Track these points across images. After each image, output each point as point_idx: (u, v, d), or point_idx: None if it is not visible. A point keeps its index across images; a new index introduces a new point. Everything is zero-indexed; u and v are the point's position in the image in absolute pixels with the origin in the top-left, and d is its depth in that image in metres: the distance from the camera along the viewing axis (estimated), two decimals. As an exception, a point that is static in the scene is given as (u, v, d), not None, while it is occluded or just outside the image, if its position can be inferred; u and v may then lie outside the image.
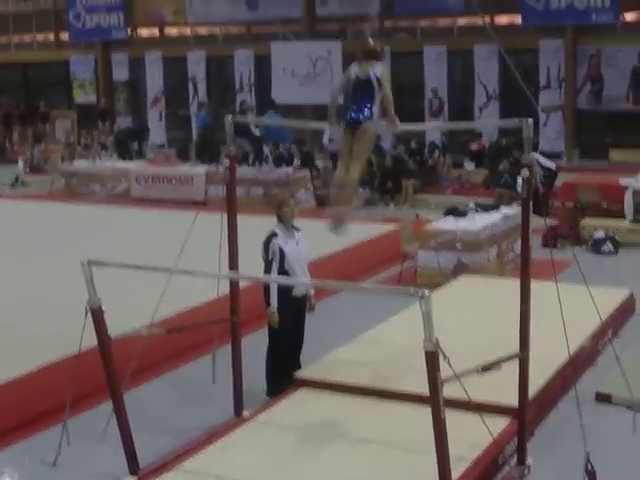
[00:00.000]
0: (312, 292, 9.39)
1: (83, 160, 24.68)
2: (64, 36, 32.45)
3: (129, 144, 26.59)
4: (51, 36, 33.09)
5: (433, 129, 24.46)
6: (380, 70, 8.31)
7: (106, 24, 30.76)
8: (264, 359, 9.29)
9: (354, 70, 8.41)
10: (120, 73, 31.25)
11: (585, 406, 8.23)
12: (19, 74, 34.46)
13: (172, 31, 30.78)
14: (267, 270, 8.98)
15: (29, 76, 34.46)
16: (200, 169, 21.79)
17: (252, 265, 8.76)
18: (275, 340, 9.18)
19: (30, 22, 33.13)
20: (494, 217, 14.47)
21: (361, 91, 8.28)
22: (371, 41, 8.63)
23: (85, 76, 31.88)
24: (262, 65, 28.27)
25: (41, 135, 31.04)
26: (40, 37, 33.33)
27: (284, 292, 8.91)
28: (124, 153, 25.76)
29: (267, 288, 8.98)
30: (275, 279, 8.85)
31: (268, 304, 8.99)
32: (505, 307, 8.49)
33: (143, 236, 16.18)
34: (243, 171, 19.49)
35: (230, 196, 8.56)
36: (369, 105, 8.24)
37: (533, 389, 8.05)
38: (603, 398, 9.03)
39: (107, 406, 7.78)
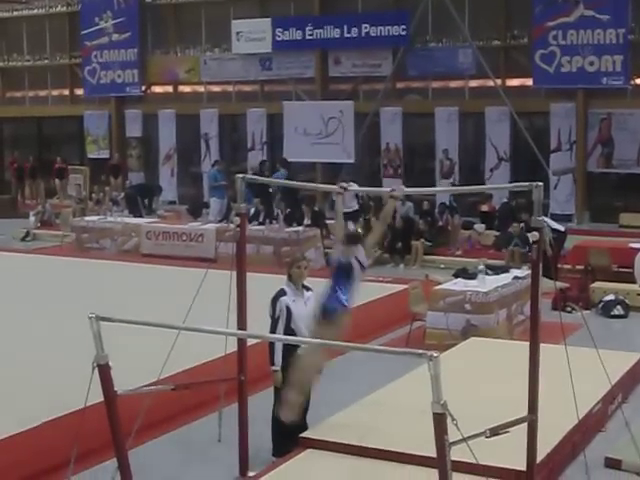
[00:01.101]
0: (319, 352, 9.35)
1: (94, 215, 24.80)
2: (79, 91, 32.73)
3: (139, 200, 26.71)
4: (66, 91, 33.39)
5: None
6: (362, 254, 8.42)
7: (121, 80, 31.06)
8: (271, 418, 9.23)
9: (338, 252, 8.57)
10: (133, 129, 31.48)
11: (594, 472, 8.16)
12: (33, 128, 34.75)
13: (186, 89, 31.05)
14: (273, 328, 8.95)
15: (43, 130, 34.75)
16: (211, 226, 21.84)
17: (261, 323, 8.75)
18: (281, 399, 9.12)
19: (45, 77, 33.48)
20: (504, 279, 14.46)
21: (342, 275, 8.36)
22: (351, 226, 8.89)
23: (98, 131, 32.12)
24: (274, 123, 28.47)
25: (56, 190, 31.22)
26: (55, 92, 33.64)
27: (290, 351, 8.87)
28: (134, 209, 25.88)
29: (272, 346, 8.95)
30: (285, 338, 8.81)
31: (272, 362, 8.95)
32: (514, 370, 8.45)
33: (152, 292, 16.19)
34: (253, 229, 19.59)
35: (240, 254, 8.56)
36: (346, 294, 8.29)
37: (541, 453, 7.97)
38: (613, 464, 8.91)
39: (111, 464, 7.71)
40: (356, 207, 21.53)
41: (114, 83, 31.17)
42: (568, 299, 15.48)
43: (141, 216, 25.28)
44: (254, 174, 20.41)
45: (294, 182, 18.75)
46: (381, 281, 17.40)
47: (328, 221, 22.02)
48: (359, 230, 8.96)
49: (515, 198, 22.01)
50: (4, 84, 34.66)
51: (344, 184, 8.81)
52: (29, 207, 29.01)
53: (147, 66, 30.80)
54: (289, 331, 8.88)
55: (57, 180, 31.48)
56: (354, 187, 8.76)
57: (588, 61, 23.48)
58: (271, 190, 22.13)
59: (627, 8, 23.24)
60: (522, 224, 18.82)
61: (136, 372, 8.77)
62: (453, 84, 26.58)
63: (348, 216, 18.69)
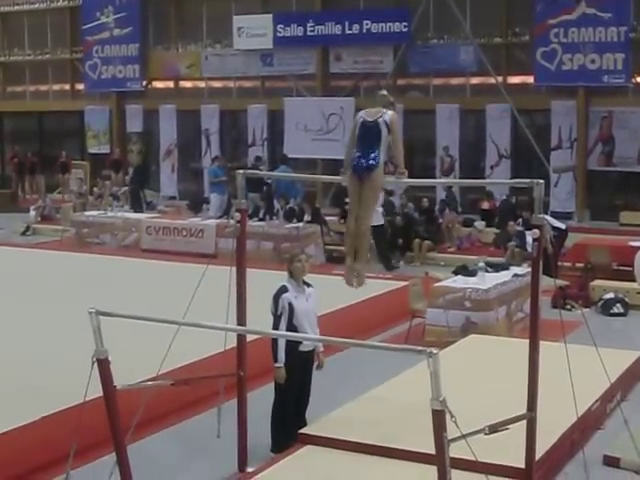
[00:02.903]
0: (321, 348, 9.36)
1: (95, 210, 24.82)
2: (80, 86, 32.72)
3: (141, 194, 26.74)
4: (67, 86, 33.37)
5: (442, 187, 24.46)
6: (391, 116, 8.35)
7: (122, 75, 31.04)
8: (270, 414, 9.24)
9: (362, 115, 8.43)
10: (134, 124, 31.47)
11: (593, 469, 8.16)
12: (34, 123, 34.73)
13: (187, 84, 31.04)
14: (276, 324, 8.95)
15: (44, 125, 34.72)
16: (211, 222, 21.85)
17: (260, 319, 8.74)
18: (281, 395, 9.14)
19: (46, 72, 33.47)
20: (504, 276, 14.47)
21: (368, 136, 8.29)
22: (384, 91, 8.71)
23: (99, 126, 32.11)
24: (275, 119, 28.47)
25: (59, 184, 31.22)
26: (56, 87, 33.62)
27: (292, 347, 8.88)
28: (136, 204, 25.91)
29: (275, 343, 8.95)
30: (283, 334, 8.81)
31: (275, 359, 8.95)
32: (513, 367, 8.45)
33: (152, 287, 16.20)
34: (253, 225, 19.59)
35: (240, 250, 8.56)
36: (375, 151, 8.23)
37: (540, 451, 7.97)
38: (611, 462, 8.92)
39: (110, 458, 7.72)
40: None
41: (115, 78, 31.15)
42: (568, 297, 15.48)
43: (142, 211, 25.28)
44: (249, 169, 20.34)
45: (295, 175, 18.86)
46: (381, 278, 17.41)
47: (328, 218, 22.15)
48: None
49: (516, 195, 22.01)
50: (5, 79, 34.65)
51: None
52: (29, 202, 29.03)
53: (148, 61, 30.79)
54: (291, 327, 8.89)
55: (60, 175, 31.47)
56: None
57: (589, 59, 23.47)
58: (269, 182, 22.10)
59: (629, 6, 23.21)
60: (519, 222, 18.83)
61: (135, 367, 8.78)
62: (454, 81, 26.57)
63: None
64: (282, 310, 8.96)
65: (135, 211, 25.03)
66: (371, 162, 8.22)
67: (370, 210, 8.60)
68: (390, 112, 8.39)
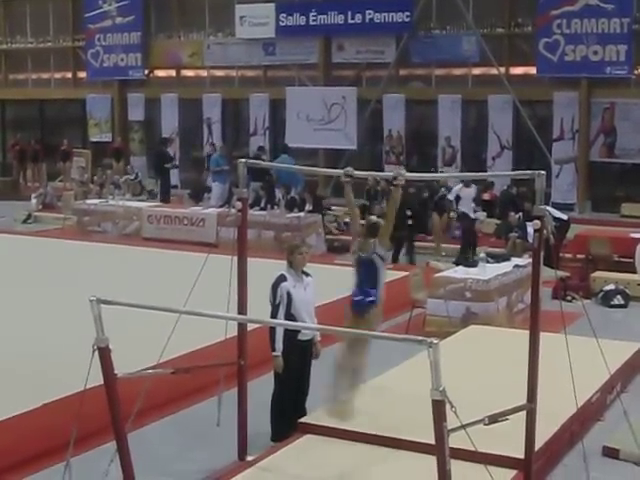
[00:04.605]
0: (318, 338, 9.38)
1: (96, 198, 24.82)
2: (82, 74, 32.68)
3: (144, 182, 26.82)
4: (69, 74, 33.32)
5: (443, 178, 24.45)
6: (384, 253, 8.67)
7: (124, 64, 31.01)
8: (269, 403, 9.25)
9: (357, 245, 8.68)
10: (136, 113, 31.43)
11: (592, 460, 8.18)
12: (36, 111, 34.70)
13: (189, 73, 31.00)
14: (274, 313, 8.96)
15: (46, 113, 34.69)
16: (212, 211, 21.85)
17: (261, 308, 8.76)
18: (281, 385, 9.15)
19: (48, 59, 33.43)
20: (504, 267, 14.47)
21: (365, 273, 8.54)
22: (373, 218, 8.82)
23: (101, 115, 32.07)
24: (277, 109, 28.45)
25: (60, 172, 31.22)
26: (58, 75, 33.59)
27: (290, 336, 8.89)
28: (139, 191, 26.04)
29: (272, 332, 8.96)
30: (284, 323, 8.82)
31: (273, 348, 8.96)
32: (513, 358, 8.46)
33: (153, 276, 16.21)
34: (255, 214, 19.60)
35: (241, 239, 8.57)
36: (374, 288, 8.49)
37: (540, 441, 7.99)
38: (610, 453, 8.94)
39: (111, 446, 7.73)
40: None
41: (117, 66, 31.12)
42: (569, 288, 15.51)
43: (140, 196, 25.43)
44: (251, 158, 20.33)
45: (296, 166, 18.84)
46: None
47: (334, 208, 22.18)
48: (378, 220, 8.84)
49: (516, 186, 21.99)
50: (7, 66, 34.59)
51: (350, 170, 8.71)
52: (31, 190, 28.99)
53: (150, 50, 30.74)
54: (289, 317, 8.90)
55: (61, 163, 31.46)
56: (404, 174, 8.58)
57: (592, 50, 23.42)
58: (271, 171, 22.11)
59: (632, -3, 23.20)
60: (520, 213, 18.81)
61: (136, 355, 8.78)
62: (456, 72, 26.53)
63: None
64: (280, 299, 8.96)
65: (163, 200, 25.10)
66: (371, 299, 8.45)
67: (366, 347, 8.74)
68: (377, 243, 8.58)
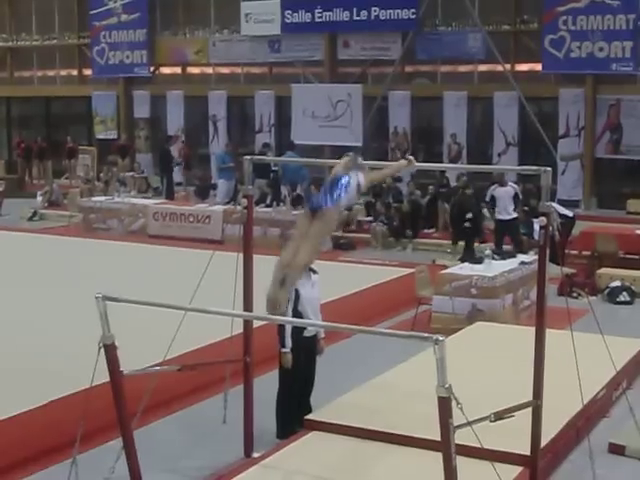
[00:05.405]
0: (322, 334, 9.39)
1: (102, 196, 24.85)
2: (87, 71, 32.71)
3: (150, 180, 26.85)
4: (74, 71, 33.38)
5: (450, 173, 24.42)
6: (364, 178, 8.23)
7: (129, 61, 31.03)
8: (275, 400, 9.26)
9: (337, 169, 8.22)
10: (141, 110, 31.46)
11: (598, 457, 8.17)
12: (41, 108, 34.74)
13: (194, 70, 31.01)
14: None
15: (51, 110, 34.73)
16: (218, 208, 21.87)
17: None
18: (286, 382, 9.16)
19: (54, 57, 33.47)
20: (510, 264, 14.46)
21: (337, 182, 8.02)
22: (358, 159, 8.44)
23: (106, 112, 32.11)
24: (282, 106, 28.45)
25: (66, 170, 31.25)
26: (63, 72, 33.63)
27: (296, 333, 8.90)
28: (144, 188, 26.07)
29: (282, 329, 8.96)
30: (291, 320, 8.83)
31: (282, 344, 8.97)
32: (519, 355, 8.46)
33: (159, 273, 16.22)
34: (260, 211, 19.62)
35: (247, 236, 8.57)
36: (340, 194, 7.95)
37: (546, 438, 7.99)
38: (616, 449, 8.93)
39: (117, 443, 7.75)
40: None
41: (122, 64, 31.15)
42: (574, 285, 15.49)
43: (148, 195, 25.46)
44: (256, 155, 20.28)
45: (302, 159, 18.84)
46: (387, 265, 17.42)
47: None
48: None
49: (523, 183, 21.94)
50: (13, 64, 34.64)
51: (351, 155, 8.51)
52: (36, 187, 29.04)
53: (156, 47, 30.76)
54: (296, 314, 8.91)
55: (67, 160, 31.49)
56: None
57: (598, 47, 23.39)
58: (276, 168, 22.10)
59: (637, -6, 23.16)
60: (525, 209, 18.76)
61: (142, 352, 8.80)
62: (462, 68, 26.52)
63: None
64: (289, 296, 8.96)
65: (168, 197, 25.14)
66: (330, 201, 7.90)
67: (311, 249, 8.01)
68: (361, 174, 8.24)
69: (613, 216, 22.29)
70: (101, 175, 28.22)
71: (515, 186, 18.57)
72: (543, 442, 7.83)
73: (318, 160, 19.21)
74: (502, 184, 18.58)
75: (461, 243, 19.04)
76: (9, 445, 8.42)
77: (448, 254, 19.12)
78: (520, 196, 18.61)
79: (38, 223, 24.74)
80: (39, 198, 26.62)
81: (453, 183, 22.31)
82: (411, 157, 8.77)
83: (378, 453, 8.34)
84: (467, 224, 18.74)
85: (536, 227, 9.04)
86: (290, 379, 9.11)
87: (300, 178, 22.69)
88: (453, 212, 19.50)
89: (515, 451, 7.88)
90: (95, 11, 31.35)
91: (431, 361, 5.63)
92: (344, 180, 8.01)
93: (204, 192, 25.65)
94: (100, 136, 32.32)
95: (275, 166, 21.80)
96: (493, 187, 18.61)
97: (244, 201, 8.60)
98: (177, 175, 29.21)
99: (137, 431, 7.56)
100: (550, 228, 7.27)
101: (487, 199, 18.82)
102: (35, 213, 25.53)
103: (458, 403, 5.69)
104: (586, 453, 7.99)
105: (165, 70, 31.60)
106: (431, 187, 22.18)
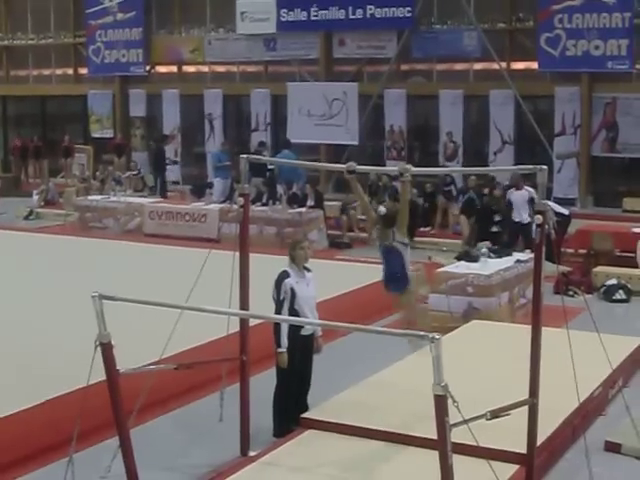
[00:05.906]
0: (319, 333, 9.39)
1: (98, 194, 24.83)
2: (83, 70, 32.67)
3: (146, 178, 26.83)
4: (70, 70, 33.31)
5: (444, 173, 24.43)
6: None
7: (125, 60, 30.98)
8: (272, 399, 9.26)
9: (377, 234, 9.30)
10: (137, 109, 31.42)
11: (594, 455, 8.18)
12: (37, 107, 34.67)
13: (190, 69, 30.98)
14: (278, 310, 8.97)
15: (47, 109, 34.67)
16: (214, 206, 21.86)
17: (263, 304, 8.76)
18: (283, 380, 9.16)
19: (49, 56, 33.43)
20: (506, 262, 14.46)
21: (390, 256, 9.16)
22: (382, 209, 9.00)
23: (102, 111, 32.05)
24: (278, 104, 28.42)
25: (62, 169, 31.22)
26: (59, 71, 33.57)
27: (293, 332, 8.91)
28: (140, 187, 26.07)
29: (277, 328, 8.97)
30: (287, 319, 8.84)
31: (278, 344, 8.97)
32: (515, 353, 8.48)
33: (155, 272, 16.22)
34: (257, 210, 19.61)
35: (243, 234, 8.58)
36: (402, 271, 9.19)
37: (542, 436, 8.01)
38: (612, 448, 8.95)
39: (113, 442, 7.75)
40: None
41: (118, 62, 31.08)
42: (570, 283, 15.49)
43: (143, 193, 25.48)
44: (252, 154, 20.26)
45: (297, 162, 18.81)
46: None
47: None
48: (387, 209, 9.17)
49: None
50: (8, 62, 34.55)
51: (352, 164, 8.72)
52: (32, 186, 29.01)
53: (151, 46, 30.69)
54: (292, 312, 8.92)
55: (63, 159, 31.46)
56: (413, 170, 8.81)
57: (593, 45, 23.38)
58: (272, 167, 22.09)
59: (633, -8, 23.16)
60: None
61: (138, 351, 8.80)
62: (458, 67, 26.47)
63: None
64: (285, 295, 8.97)
65: (162, 196, 25.16)
66: (403, 284, 9.30)
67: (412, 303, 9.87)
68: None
69: (609, 214, 22.27)
70: (97, 174, 28.17)
71: (531, 190, 17.91)
72: (539, 440, 7.84)
73: (315, 164, 19.32)
74: (518, 187, 18.41)
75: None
76: (7, 443, 8.41)
77: (444, 252, 19.11)
78: (536, 200, 18.34)
79: (34, 222, 24.72)
80: (35, 197, 26.60)
81: (457, 182, 22.44)
82: (407, 166, 8.83)
83: (374, 451, 8.35)
84: (495, 228, 18.57)
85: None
86: (287, 377, 9.11)
87: (296, 177, 22.67)
88: (480, 213, 19.33)
89: (511, 449, 7.89)
90: (91, 10, 31.27)
91: (427, 359, 5.63)
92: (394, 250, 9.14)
93: (200, 191, 25.63)
94: (96, 135, 32.24)
95: (271, 165, 21.79)
96: (510, 190, 18.50)
97: (240, 199, 8.60)
98: (174, 174, 29.29)
99: (134, 429, 7.57)
100: (546, 226, 7.28)
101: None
102: (31, 212, 25.51)
103: (454, 401, 5.70)
104: (582, 451, 8.00)
105: (161, 69, 31.54)
106: (428, 185, 22.21)
